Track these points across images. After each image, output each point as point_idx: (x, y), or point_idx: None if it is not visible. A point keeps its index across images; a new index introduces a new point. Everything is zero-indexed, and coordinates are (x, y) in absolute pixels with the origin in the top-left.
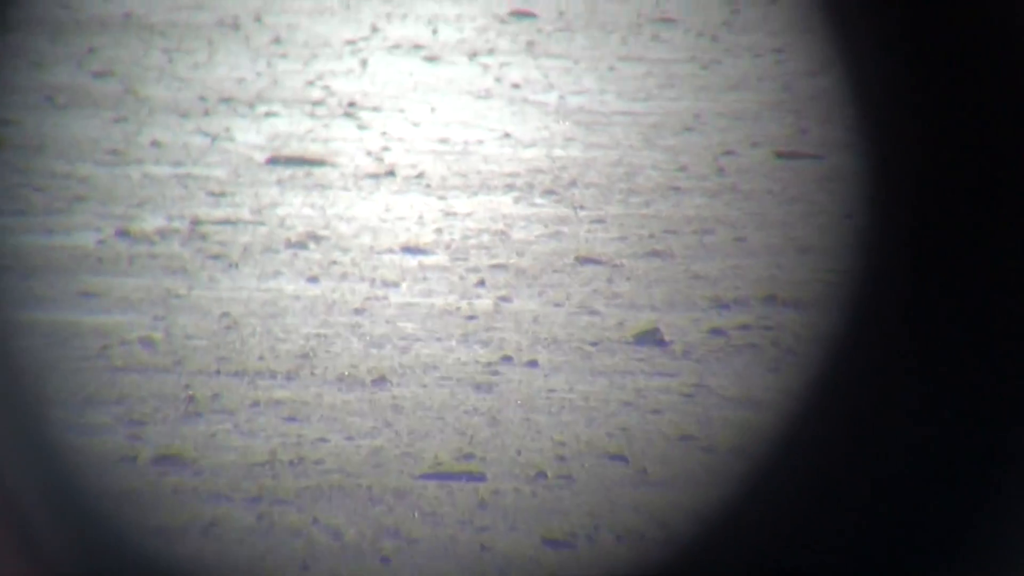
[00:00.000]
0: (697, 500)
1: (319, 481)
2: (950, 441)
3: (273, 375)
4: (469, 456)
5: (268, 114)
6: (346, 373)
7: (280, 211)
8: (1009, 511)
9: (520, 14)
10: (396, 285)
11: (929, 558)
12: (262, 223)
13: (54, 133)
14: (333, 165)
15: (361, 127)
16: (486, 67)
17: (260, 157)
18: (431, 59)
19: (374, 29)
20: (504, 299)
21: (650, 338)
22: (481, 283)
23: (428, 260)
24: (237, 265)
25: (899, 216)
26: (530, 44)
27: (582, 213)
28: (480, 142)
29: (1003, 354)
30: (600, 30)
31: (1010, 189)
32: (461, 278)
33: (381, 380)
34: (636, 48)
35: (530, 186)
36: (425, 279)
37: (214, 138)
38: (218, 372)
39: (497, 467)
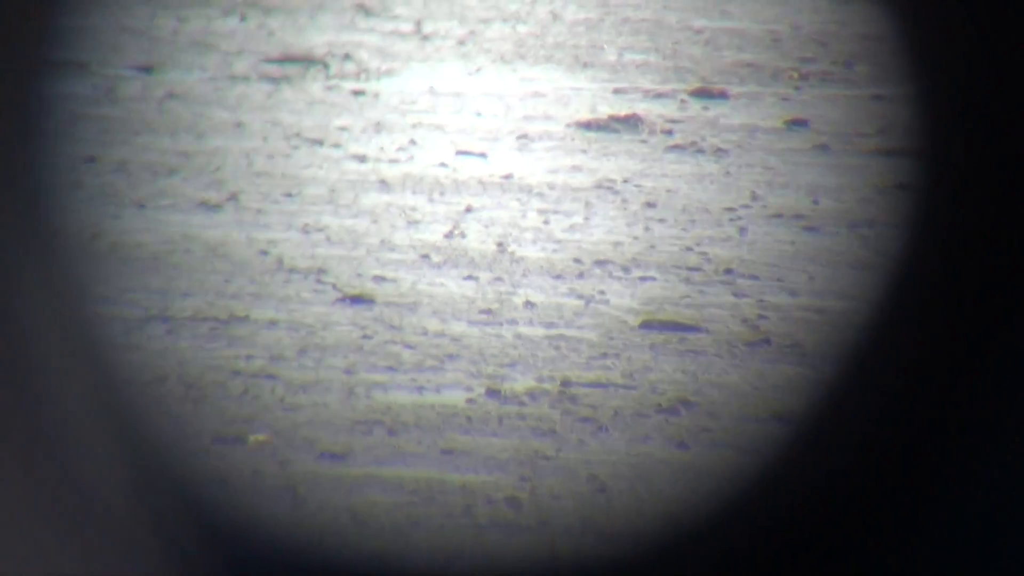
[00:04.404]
0: None
1: None
2: None
3: (638, 539)
4: None
5: (643, 278)
6: None
7: (652, 375)
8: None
9: (904, 187)
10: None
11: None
12: (633, 387)
13: (429, 291)
14: (707, 331)
15: (737, 294)
16: (865, 238)
17: (633, 321)
18: (810, 228)
19: (754, 197)
20: None
21: None
22: None
23: None
24: (607, 428)
25: None
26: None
27: None
28: (857, 314)
29: None
30: None
31: None
32: None
33: None
34: None
35: None
36: None
37: (588, 300)
38: (583, 533)
39: None
